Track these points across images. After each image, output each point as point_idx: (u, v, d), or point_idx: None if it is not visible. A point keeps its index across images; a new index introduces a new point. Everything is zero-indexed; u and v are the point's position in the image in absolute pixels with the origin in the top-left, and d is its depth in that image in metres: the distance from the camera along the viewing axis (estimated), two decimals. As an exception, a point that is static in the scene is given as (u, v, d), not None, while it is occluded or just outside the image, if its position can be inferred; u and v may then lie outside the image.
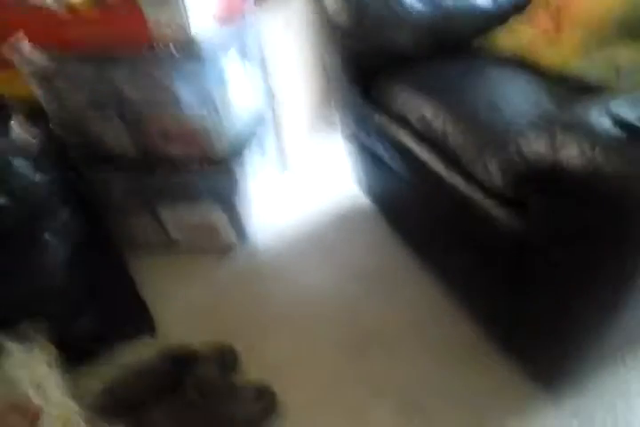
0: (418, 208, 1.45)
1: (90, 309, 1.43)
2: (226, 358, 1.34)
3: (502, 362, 1.31)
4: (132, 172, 1.58)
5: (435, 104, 1.28)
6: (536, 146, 0.92)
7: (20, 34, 1.44)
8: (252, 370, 1.37)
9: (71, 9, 1.36)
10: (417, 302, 1.50)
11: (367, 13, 1.48)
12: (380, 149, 1.49)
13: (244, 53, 1.64)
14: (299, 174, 2.03)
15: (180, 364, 1.31)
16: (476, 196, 1.12)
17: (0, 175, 1.26)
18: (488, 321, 1.35)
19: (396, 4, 1.49)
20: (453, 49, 1.50)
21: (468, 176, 1.15)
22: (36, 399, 1.16)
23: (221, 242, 1.71)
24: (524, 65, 1.40)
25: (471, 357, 1.34)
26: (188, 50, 1.36)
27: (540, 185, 0.94)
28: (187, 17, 1.33)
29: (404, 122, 1.37)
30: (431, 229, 1.41)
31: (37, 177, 1.32)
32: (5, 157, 1.29)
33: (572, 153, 0.84)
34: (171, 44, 1.36)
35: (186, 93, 1.45)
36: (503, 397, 1.25)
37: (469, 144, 1.15)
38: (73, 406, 1.18)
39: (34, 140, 1.36)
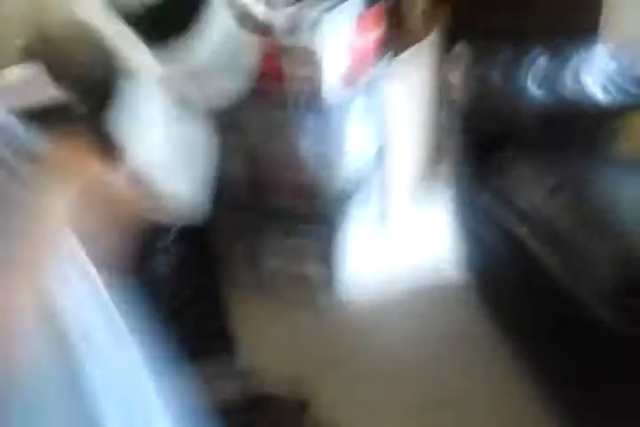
0: (515, 291, 1.45)
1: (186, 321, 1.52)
2: (304, 408, 1.39)
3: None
4: (243, 212, 1.67)
5: (558, 200, 1.29)
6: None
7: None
8: (324, 419, 1.40)
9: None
10: (495, 376, 1.50)
11: (487, 93, 1.52)
12: (484, 229, 1.52)
13: (364, 113, 1.71)
14: (398, 234, 2.07)
15: (260, 409, 1.37)
16: (584, 295, 1.13)
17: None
18: (566, 409, 1.33)
19: (516, 88, 1.52)
20: (575, 137, 1.50)
21: (579, 276, 1.16)
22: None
23: (314, 291, 1.77)
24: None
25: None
26: (317, 106, 1.44)
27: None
28: (322, 75, 1.43)
29: (516, 210, 1.39)
30: (527, 313, 1.42)
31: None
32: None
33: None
34: (301, 99, 1.45)
35: (305, 147, 1.54)
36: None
37: (593, 246, 1.16)
38: None
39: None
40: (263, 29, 1.30)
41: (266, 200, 1.65)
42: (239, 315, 1.70)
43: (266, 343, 1.65)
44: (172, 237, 1.48)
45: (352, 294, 1.80)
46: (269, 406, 1.39)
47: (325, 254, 1.69)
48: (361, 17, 1.58)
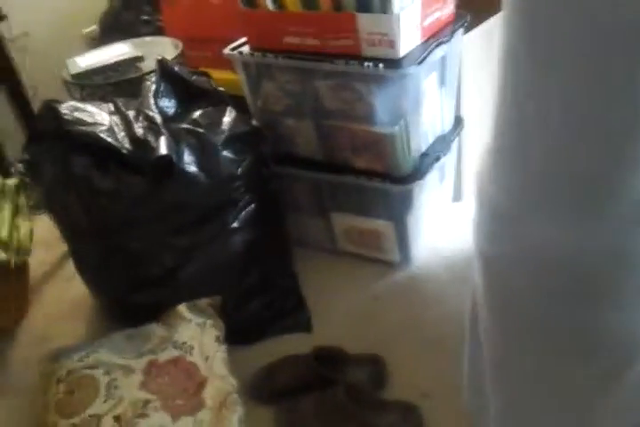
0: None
1: (258, 296, 1.55)
2: (376, 370, 1.38)
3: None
4: (316, 173, 1.66)
5: None
6: None
7: (240, 35, 1.59)
8: (400, 389, 1.39)
9: (282, 7, 1.45)
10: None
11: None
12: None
13: (442, 77, 1.67)
14: (472, 206, 2.01)
15: (331, 364, 1.37)
16: None
17: (210, 166, 1.40)
18: None
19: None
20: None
21: None
22: (204, 370, 1.27)
23: (385, 257, 1.75)
24: None
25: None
26: (394, 68, 1.41)
27: None
28: (399, 34, 1.38)
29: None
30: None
31: (239, 170, 1.46)
32: (216, 149, 1.43)
33: None
34: (378, 61, 1.42)
35: (382, 109, 1.51)
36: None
37: None
38: (234, 382, 1.28)
39: (240, 135, 1.50)
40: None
41: (340, 159, 1.63)
42: (310, 274, 1.71)
43: (337, 304, 1.65)
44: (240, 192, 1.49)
45: (424, 262, 1.78)
46: (347, 368, 1.38)
47: (399, 220, 1.67)
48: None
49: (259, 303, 1.55)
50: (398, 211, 1.64)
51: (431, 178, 1.69)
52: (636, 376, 0.75)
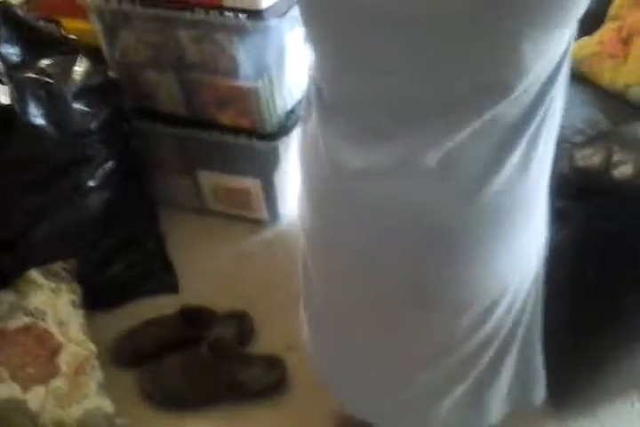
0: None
1: (119, 258, 1.48)
2: (243, 326, 1.38)
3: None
4: (180, 129, 1.60)
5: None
6: (591, 161, 0.94)
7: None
8: (266, 343, 1.40)
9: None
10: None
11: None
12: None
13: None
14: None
15: (198, 323, 1.35)
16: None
17: (59, 119, 1.30)
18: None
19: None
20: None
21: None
22: (58, 335, 1.21)
23: (253, 215, 1.74)
24: (579, 79, 1.40)
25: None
26: (255, 19, 1.37)
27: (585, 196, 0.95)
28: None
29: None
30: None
31: (93, 124, 1.36)
32: (66, 101, 1.33)
33: (626, 171, 0.86)
34: (240, 12, 1.38)
35: (245, 63, 1.48)
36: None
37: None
38: (92, 347, 1.22)
39: (94, 87, 1.40)
40: None
41: (204, 115, 1.58)
42: (176, 234, 1.67)
43: (205, 263, 1.62)
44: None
45: (292, 220, 1.78)
46: (213, 326, 1.37)
47: (267, 178, 1.65)
48: None
49: (121, 265, 1.48)
50: (265, 168, 1.62)
51: (297, 134, 1.69)
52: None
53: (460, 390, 0.88)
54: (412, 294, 0.75)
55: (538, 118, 0.64)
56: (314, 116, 0.73)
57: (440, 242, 0.70)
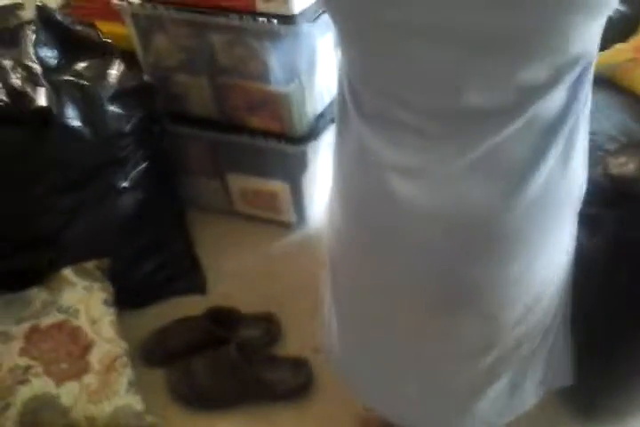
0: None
1: (150, 259, 1.50)
2: (270, 327, 1.39)
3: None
4: (211, 133, 1.62)
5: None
6: (625, 169, 0.93)
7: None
8: (293, 345, 1.41)
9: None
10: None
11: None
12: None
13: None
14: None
15: (226, 324, 1.36)
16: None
17: (94, 121, 1.33)
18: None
19: None
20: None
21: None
22: (90, 333, 1.23)
23: (281, 218, 1.75)
24: (613, 85, 1.39)
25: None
26: (288, 25, 1.39)
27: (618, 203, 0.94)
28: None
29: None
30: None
31: (127, 127, 1.39)
32: (102, 103, 1.35)
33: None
34: (272, 17, 1.39)
35: (277, 68, 1.49)
36: (537, 419, 1.12)
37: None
38: (123, 344, 1.25)
39: (128, 90, 1.42)
40: None
41: (235, 119, 1.60)
42: (205, 235, 1.69)
43: (232, 265, 1.63)
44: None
45: (320, 224, 1.79)
46: (240, 327, 1.39)
47: (295, 182, 1.66)
48: None
49: (151, 265, 1.50)
50: (294, 171, 1.63)
51: (327, 139, 1.69)
52: None
53: (502, 382, 0.89)
54: (453, 296, 0.75)
55: (574, 116, 0.65)
56: (352, 119, 0.74)
57: (482, 242, 0.70)
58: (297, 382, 1.28)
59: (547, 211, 0.70)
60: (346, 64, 0.70)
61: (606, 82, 1.40)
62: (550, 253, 0.75)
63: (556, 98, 0.62)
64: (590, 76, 0.65)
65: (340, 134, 0.78)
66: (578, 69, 0.62)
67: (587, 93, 0.65)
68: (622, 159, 0.95)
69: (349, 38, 0.67)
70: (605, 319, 1.03)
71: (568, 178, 0.69)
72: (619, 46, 1.50)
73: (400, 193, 0.71)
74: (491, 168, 0.66)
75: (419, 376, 0.91)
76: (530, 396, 0.97)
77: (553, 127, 0.64)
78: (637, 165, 0.91)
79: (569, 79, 0.62)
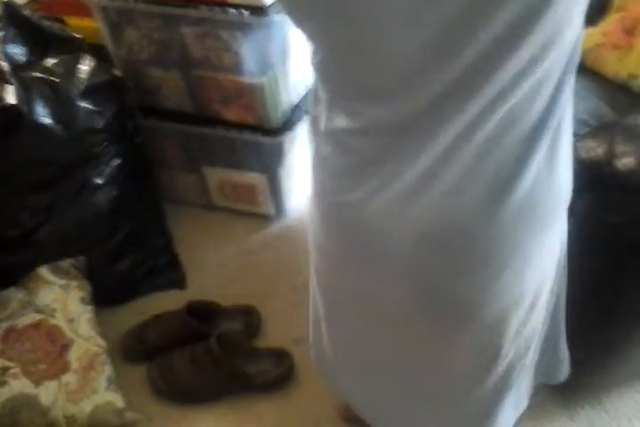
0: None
1: (128, 255, 1.49)
2: (250, 320, 1.39)
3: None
4: (186, 126, 1.61)
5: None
6: (594, 153, 0.94)
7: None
8: (274, 336, 1.42)
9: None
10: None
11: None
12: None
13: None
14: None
15: (206, 318, 1.36)
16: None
17: (66, 118, 1.31)
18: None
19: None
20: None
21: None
22: (68, 332, 1.22)
23: (259, 210, 1.75)
24: (583, 70, 1.39)
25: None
26: (259, 15, 1.38)
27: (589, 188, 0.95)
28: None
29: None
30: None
31: (99, 122, 1.37)
32: (73, 100, 1.33)
33: (630, 162, 0.86)
34: (243, 8, 1.38)
35: (250, 59, 1.48)
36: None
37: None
38: (102, 342, 1.24)
39: (99, 85, 1.41)
40: None
41: (209, 111, 1.58)
42: (183, 230, 1.68)
43: (212, 259, 1.63)
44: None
45: (298, 214, 1.79)
46: (221, 320, 1.39)
47: (272, 173, 1.66)
48: None
49: (129, 261, 1.49)
50: (270, 163, 1.63)
51: (303, 130, 1.69)
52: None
53: (512, 393, 0.88)
54: (443, 310, 0.72)
55: (556, 121, 0.62)
56: (322, 113, 0.72)
57: (468, 252, 0.68)
58: (278, 374, 1.29)
59: (534, 217, 0.67)
60: (313, 57, 0.69)
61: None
62: (542, 254, 0.72)
63: (536, 105, 0.59)
64: (572, 81, 0.62)
65: (316, 134, 0.75)
66: (563, 60, 0.59)
67: (570, 85, 0.62)
68: (591, 143, 0.95)
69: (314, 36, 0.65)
70: (584, 299, 1.04)
71: (554, 182, 0.66)
72: (588, 31, 1.51)
73: (377, 204, 0.67)
74: (474, 175, 0.62)
75: (419, 392, 0.89)
76: (527, 393, 0.97)
77: (535, 132, 0.61)
78: (605, 149, 0.91)
79: (546, 84, 0.59)
